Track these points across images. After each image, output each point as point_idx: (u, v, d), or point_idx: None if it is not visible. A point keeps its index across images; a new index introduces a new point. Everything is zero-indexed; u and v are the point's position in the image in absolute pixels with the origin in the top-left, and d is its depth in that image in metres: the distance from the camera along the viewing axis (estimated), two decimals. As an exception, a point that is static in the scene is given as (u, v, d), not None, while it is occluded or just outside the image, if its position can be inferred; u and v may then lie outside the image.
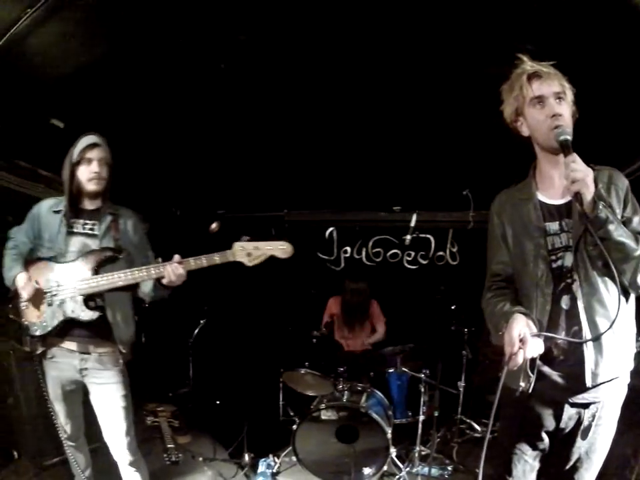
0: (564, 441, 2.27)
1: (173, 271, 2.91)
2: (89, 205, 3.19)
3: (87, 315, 2.96)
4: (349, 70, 3.97)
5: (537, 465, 2.35)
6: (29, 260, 3.13)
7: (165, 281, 2.96)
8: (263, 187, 6.44)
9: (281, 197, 6.86)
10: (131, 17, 3.30)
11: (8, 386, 4.14)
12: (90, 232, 3.13)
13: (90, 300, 3.00)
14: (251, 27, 3.51)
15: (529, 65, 2.25)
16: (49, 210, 3.17)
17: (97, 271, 3.00)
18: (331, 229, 7.11)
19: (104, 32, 3.46)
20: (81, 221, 3.14)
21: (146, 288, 3.11)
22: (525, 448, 2.33)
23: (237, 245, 2.93)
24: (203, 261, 2.95)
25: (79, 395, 3.18)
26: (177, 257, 2.97)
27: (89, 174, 3.09)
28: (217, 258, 2.94)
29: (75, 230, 3.12)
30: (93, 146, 3.11)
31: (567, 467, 2.27)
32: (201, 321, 6.12)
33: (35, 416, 4.01)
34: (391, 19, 3.37)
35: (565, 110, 2.19)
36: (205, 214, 6.93)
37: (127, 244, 3.19)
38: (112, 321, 3.05)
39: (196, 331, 6.07)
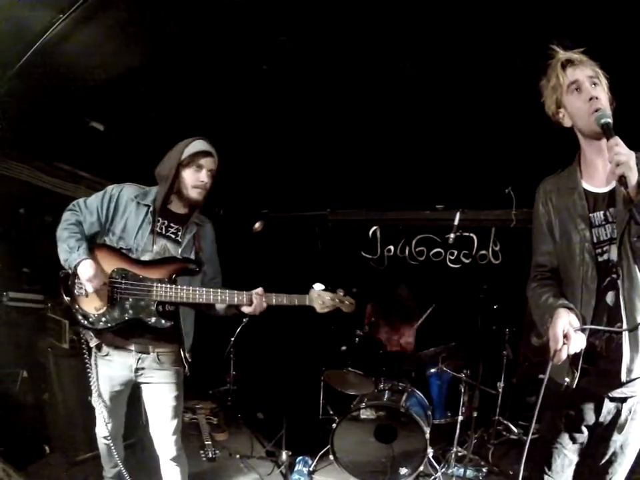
0: (601, 435, 2.26)
1: (260, 304, 2.92)
2: (177, 208, 3.06)
3: (159, 322, 2.83)
4: (391, 69, 3.95)
5: (575, 459, 2.35)
6: (94, 244, 2.90)
7: (247, 310, 2.94)
8: (306, 186, 6.46)
9: (324, 195, 6.87)
10: (171, 19, 3.33)
11: (45, 383, 4.24)
12: (173, 236, 3.00)
13: (165, 308, 2.89)
14: (291, 27, 3.51)
15: (561, 53, 2.26)
16: (131, 198, 2.98)
17: (175, 279, 2.88)
18: (374, 227, 7.10)
19: (144, 34, 3.50)
20: (165, 222, 3.00)
21: (221, 310, 3.11)
22: (566, 441, 2.33)
23: (315, 292, 3.06)
24: (284, 300, 3.02)
25: (126, 395, 3.09)
26: (260, 290, 2.95)
27: (196, 181, 2.96)
28: (296, 300, 3.03)
29: (158, 230, 2.97)
30: (207, 154, 3.00)
31: (602, 462, 2.26)
32: (244, 319, 6.16)
33: (70, 412, 4.10)
34: (426, 18, 3.33)
35: (601, 94, 2.18)
36: (248, 213, 6.99)
37: (203, 255, 3.10)
38: (184, 330, 2.99)
39: (238, 329, 6.11)
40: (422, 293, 6.19)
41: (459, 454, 4.59)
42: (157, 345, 2.93)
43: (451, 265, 6.72)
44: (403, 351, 5.73)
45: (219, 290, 2.90)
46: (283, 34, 3.57)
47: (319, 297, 3.05)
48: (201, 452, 4.51)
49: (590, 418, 2.25)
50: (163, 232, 2.98)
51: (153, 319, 2.82)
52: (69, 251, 2.78)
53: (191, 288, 2.87)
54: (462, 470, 4.35)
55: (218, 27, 3.46)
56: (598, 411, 2.22)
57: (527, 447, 2.11)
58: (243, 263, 6.56)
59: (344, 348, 5.29)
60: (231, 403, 6.00)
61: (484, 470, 4.45)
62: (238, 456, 4.73)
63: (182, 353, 3.00)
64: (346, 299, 3.14)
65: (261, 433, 5.28)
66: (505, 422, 5.24)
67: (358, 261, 7.13)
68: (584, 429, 2.29)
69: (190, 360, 3.04)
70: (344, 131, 5.07)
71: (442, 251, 6.72)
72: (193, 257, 3.02)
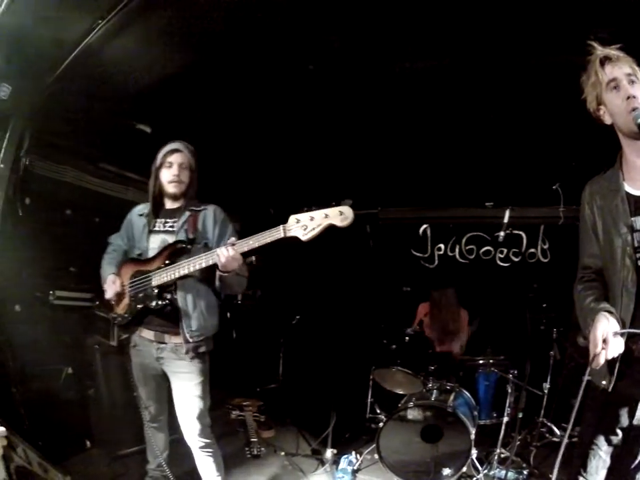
0: (634, 438, 2.25)
1: (222, 253, 2.88)
2: (170, 204, 3.41)
3: (159, 303, 3.16)
4: (438, 68, 3.94)
5: (608, 461, 2.34)
6: (123, 261, 3.45)
7: (220, 265, 2.95)
8: (357, 184, 6.47)
9: (375, 194, 6.89)
10: (216, 19, 3.38)
11: (90, 379, 4.42)
12: (170, 229, 3.32)
13: (163, 291, 3.18)
14: (339, 28, 3.53)
15: (599, 50, 2.25)
16: (137, 214, 3.47)
17: (170, 263, 3.15)
18: (424, 226, 7.04)
19: (189, 35, 3.56)
20: (162, 220, 3.36)
21: (216, 280, 3.20)
22: (602, 443, 2.33)
23: (292, 218, 2.78)
24: (254, 242, 2.85)
25: (161, 379, 3.36)
26: (232, 240, 2.95)
27: (169, 177, 3.31)
28: (268, 238, 2.80)
29: (157, 229, 3.34)
30: (174, 151, 3.34)
31: (632, 466, 2.26)
32: (296, 317, 6.21)
33: (114, 408, 4.27)
34: (473, 14, 3.31)
35: (639, 92, 2.16)
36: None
37: (206, 236, 3.31)
38: (182, 309, 3.17)
39: (289, 328, 6.16)
40: (472, 292, 6.10)
41: (502, 455, 4.52)
42: (173, 335, 3.22)
43: (501, 264, 6.61)
44: (453, 350, 5.67)
45: (196, 256, 3.06)
46: (331, 34, 3.59)
47: (298, 221, 2.76)
48: (246, 449, 4.63)
49: (624, 420, 2.25)
50: (162, 229, 3.35)
51: (154, 302, 3.18)
52: (102, 272, 3.44)
53: (175, 264, 3.11)
54: (503, 472, 4.29)
55: (263, 28, 3.50)
56: (632, 414, 2.22)
57: (562, 448, 2.10)
58: (295, 261, 6.62)
59: (394, 347, 5.30)
60: (278, 401, 6.06)
61: (525, 472, 4.35)
62: (282, 453, 4.80)
63: (181, 331, 3.16)
64: (336, 210, 2.77)
65: (307, 431, 5.33)
66: (549, 424, 5.11)
67: (408, 259, 7.09)
68: (618, 431, 2.28)
69: (190, 341, 3.16)
70: (394, 129, 5.07)
71: (492, 249, 6.61)
72: (183, 238, 3.25)
